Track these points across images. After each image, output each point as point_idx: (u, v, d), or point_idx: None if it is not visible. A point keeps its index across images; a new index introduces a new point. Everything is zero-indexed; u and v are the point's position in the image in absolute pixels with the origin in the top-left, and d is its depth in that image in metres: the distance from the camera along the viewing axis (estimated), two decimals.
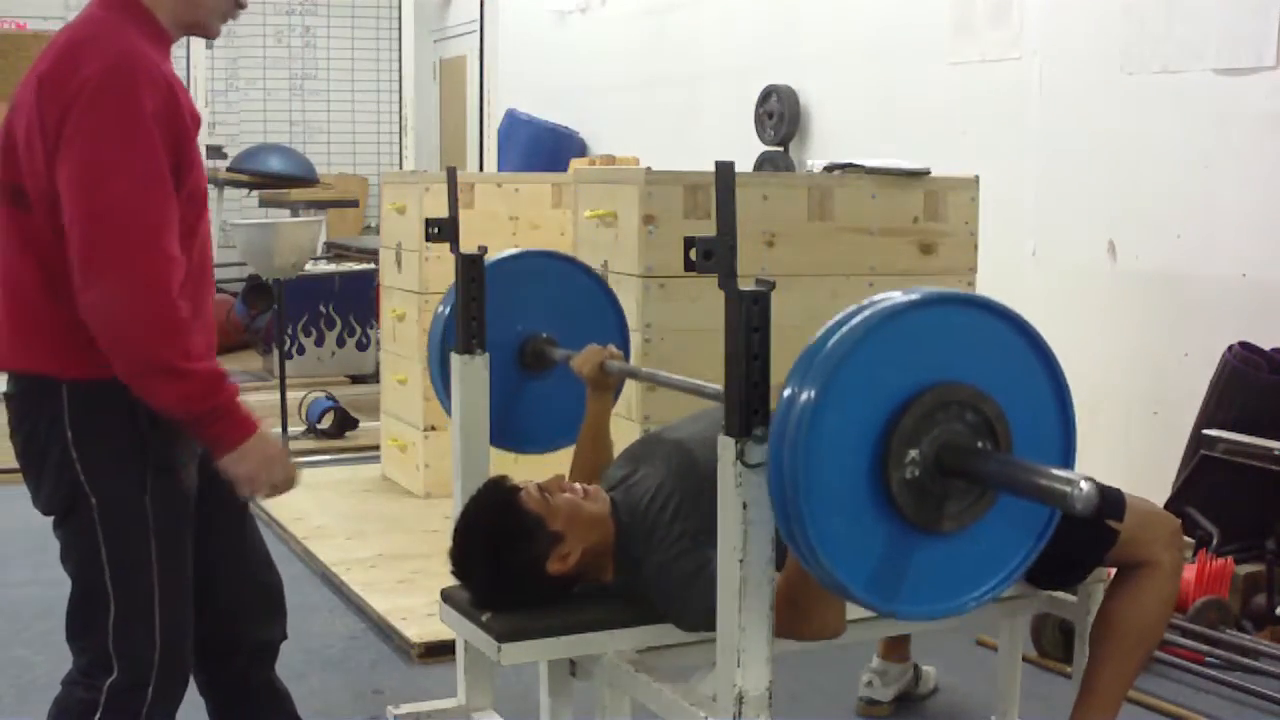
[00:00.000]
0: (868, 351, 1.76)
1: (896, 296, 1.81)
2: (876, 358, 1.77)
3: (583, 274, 3.05)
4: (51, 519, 2.26)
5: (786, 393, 1.77)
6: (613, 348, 2.76)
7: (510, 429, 2.93)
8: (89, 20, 2.19)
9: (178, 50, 9.76)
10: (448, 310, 2.88)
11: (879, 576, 1.80)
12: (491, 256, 2.87)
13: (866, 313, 1.79)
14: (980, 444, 1.81)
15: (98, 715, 2.19)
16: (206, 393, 2.10)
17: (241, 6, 2.32)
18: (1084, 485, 1.65)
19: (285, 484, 2.24)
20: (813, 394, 1.73)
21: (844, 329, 1.77)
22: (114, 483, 2.17)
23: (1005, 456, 1.81)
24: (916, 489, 1.78)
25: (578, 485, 2.52)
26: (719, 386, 1.99)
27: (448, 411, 2.91)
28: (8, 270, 2.17)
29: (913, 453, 1.77)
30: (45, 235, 2.10)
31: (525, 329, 2.92)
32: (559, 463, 2.86)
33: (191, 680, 2.35)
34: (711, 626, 2.25)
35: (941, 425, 1.79)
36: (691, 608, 2.32)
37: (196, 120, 2.18)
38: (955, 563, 1.85)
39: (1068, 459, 1.89)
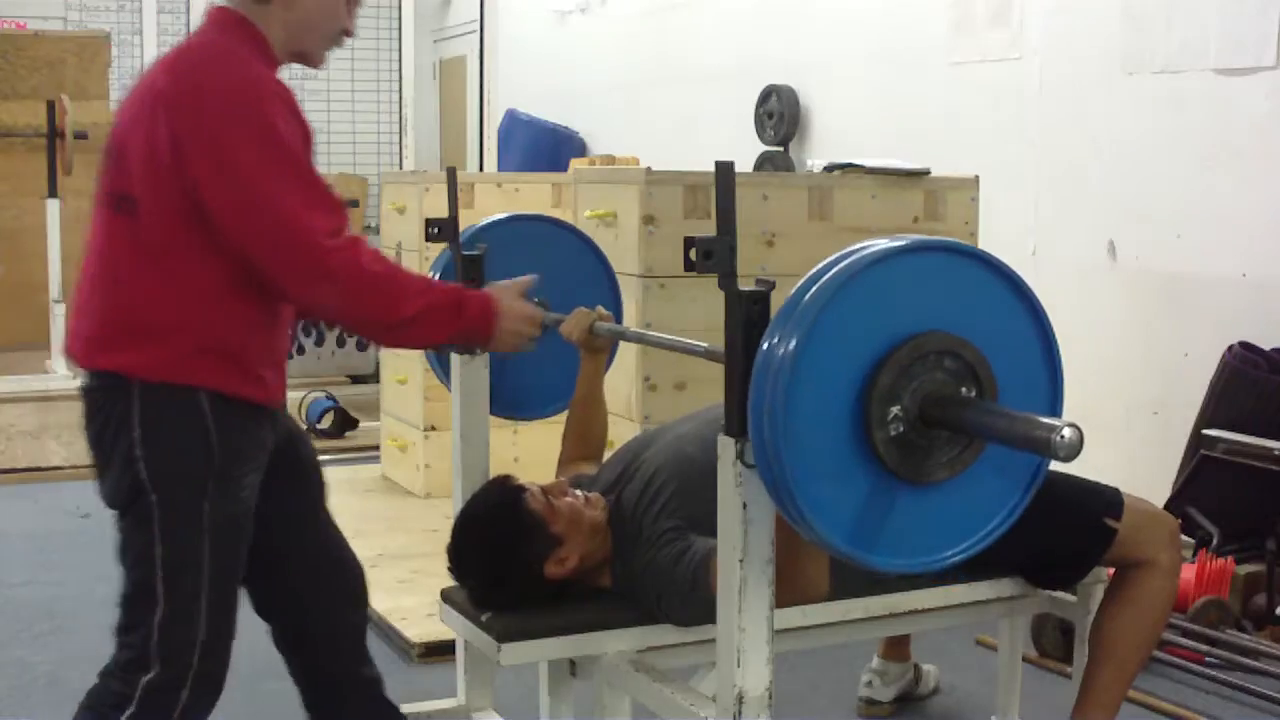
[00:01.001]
0: (847, 302, 1.75)
1: (877, 244, 1.79)
2: (856, 308, 1.75)
3: (573, 237, 3.01)
4: (114, 513, 2.30)
5: (765, 346, 1.76)
6: (602, 309, 2.72)
7: (504, 396, 2.90)
8: (207, 42, 2.23)
9: None
10: (438, 276, 2.85)
11: (862, 528, 1.79)
12: (480, 221, 2.86)
13: (845, 262, 1.77)
14: (964, 392, 1.80)
15: (130, 710, 2.20)
16: (439, 316, 2.22)
17: (349, 35, 2.35)
18: (1067, 431, 1.64)
19: (534, 321, 2.39)
20: (791, 345, 1.72)
21: (822, 280, 1.76)
22: (175, 484, 2.19)
23: (987, 404, 1.80)
24: (901, 442, 1.77)
25: (579, 492, 2.52)
26: (708, 345, 1.98)
27: (447, 386, 2.90)
28: (103, 272, 2.21)
29: (895, 409, 1.76)
30: (150, 237, 2.15)
31: None
32: (554, 453, 2.86)
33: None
34: (699, 615, 2.26)
35: (924, 375, 1.78)
36: (675, 599, 2.33)
37: (311, 136, 2.24)
38: (941, 515, 1.84)
39: (1055, 407, 1.88)
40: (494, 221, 2.97)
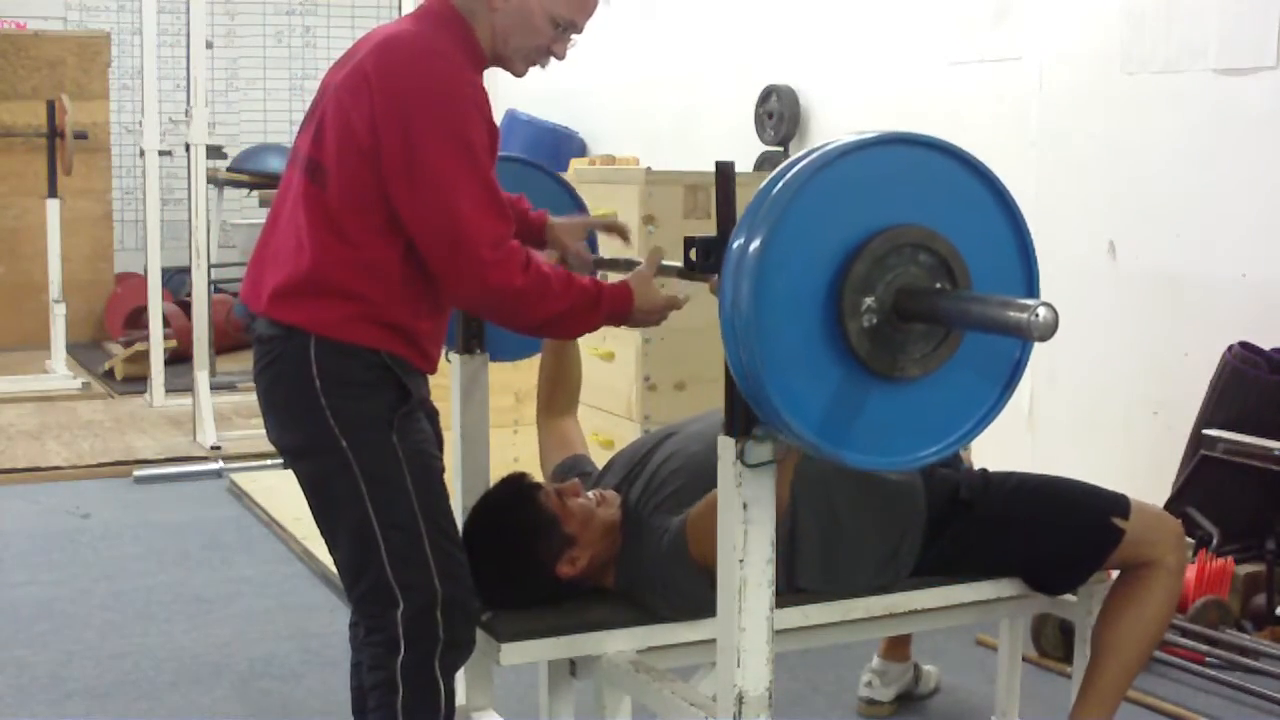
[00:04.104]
0: (815, 195, 1.74)
1: (844, 138, 1.78)
2: (825, 201, 1.75)
3: (545, 177, 2.98)
4: (287, 459, 2.40)
5: (736, 244, 1.75)
6: (579, 248, 2.70)
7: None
8: (420, 33, 2.29)
9: (177, 50, 9.71)
10: None
11: (833, 422, 1.77)
12: None
13: (812, 156, 1.76)
14: (938, 285, 1.79)
15: (402, 651, 2.26)
16: (579, 314, 2.29)
17: (556, 57, 2.40)
18: (1041, 311, 1.63)
19: (668, 308, 2.41)
20: (758, 241, 1.71)
21: (789, 174, 1.75)
22: (362, 427, 2.27)
23: (960, 292, 1.78)
24: (874, 335, 1.76)
25: (593, 492, 2.53)
26: (678, 263, 1.99)
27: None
28: (291, 232, 2.31)
29: (868, 300, 1.75)
30: (337, 211, 2.25)
31: None
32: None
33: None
34: (689, 589, 2.28)
35: (898, 268, 1.76)
36: (668, 580, 2.35)
37: (497, 143, 2.30)
38: (916, 413, 1.82)
39: (1031, 294, 1.87)
40: None
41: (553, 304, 2.26)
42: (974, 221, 1.83)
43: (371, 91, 2.21)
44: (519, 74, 2.41)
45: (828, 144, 1.78)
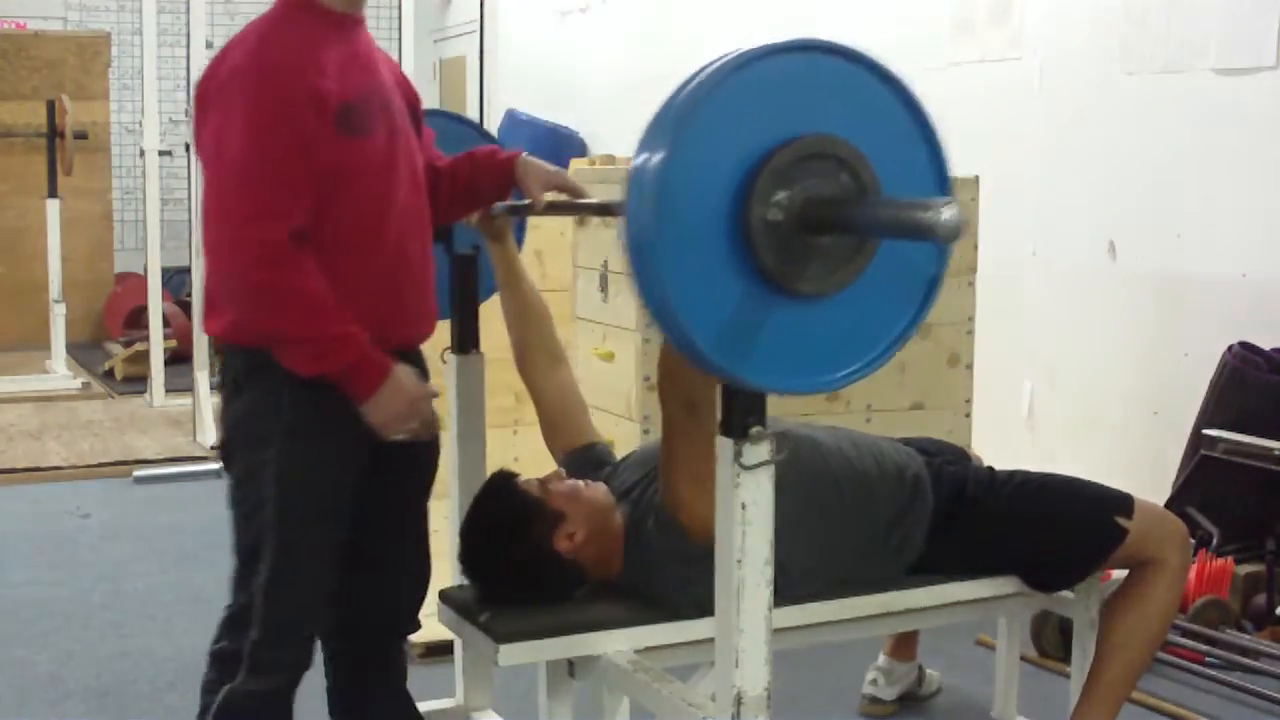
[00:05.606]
0: (717, 107, 1.69)
1: (745, 48, 1.73)
2: (728, 113, 1.70)
3: (466, 127, 2.95)
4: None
5: (639, 158, 1.71)
6: (539, 197, 2.56)
7: None
8: (250, 27, 2.28)
9: (177, 50, 9.63)
10: None
11: (737, 339, 1.72)
12: None
13: (713, 67, 1.71)
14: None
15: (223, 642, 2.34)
16: (305, 352, 2.18)
17: None
18: (945, 210, 1.57)
19: (420, 430, 2.29)
20: (662, 153, 1.67)
21: (692, 85, 1.71)
22: (250, 440, 2.27)
23: (866, 199, 1.73)
24: (781, 248, 1.70)
25: (577, 481, 2.52)
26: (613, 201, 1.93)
27: None
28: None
29: (774, 210, 1.69)
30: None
31: None
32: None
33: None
34: (682, 568, 2.28)
35: (804, 180, 1.71)
36: (666, 563, 2.35)
37: (329, 111, 2.19)
38: (828, 334, 1.77)
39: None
40: None
41: (281, 322, 2.17)
42: (883, 129, 1.79)
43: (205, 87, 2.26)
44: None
45: (729, 55, 1.73)
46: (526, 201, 2.52)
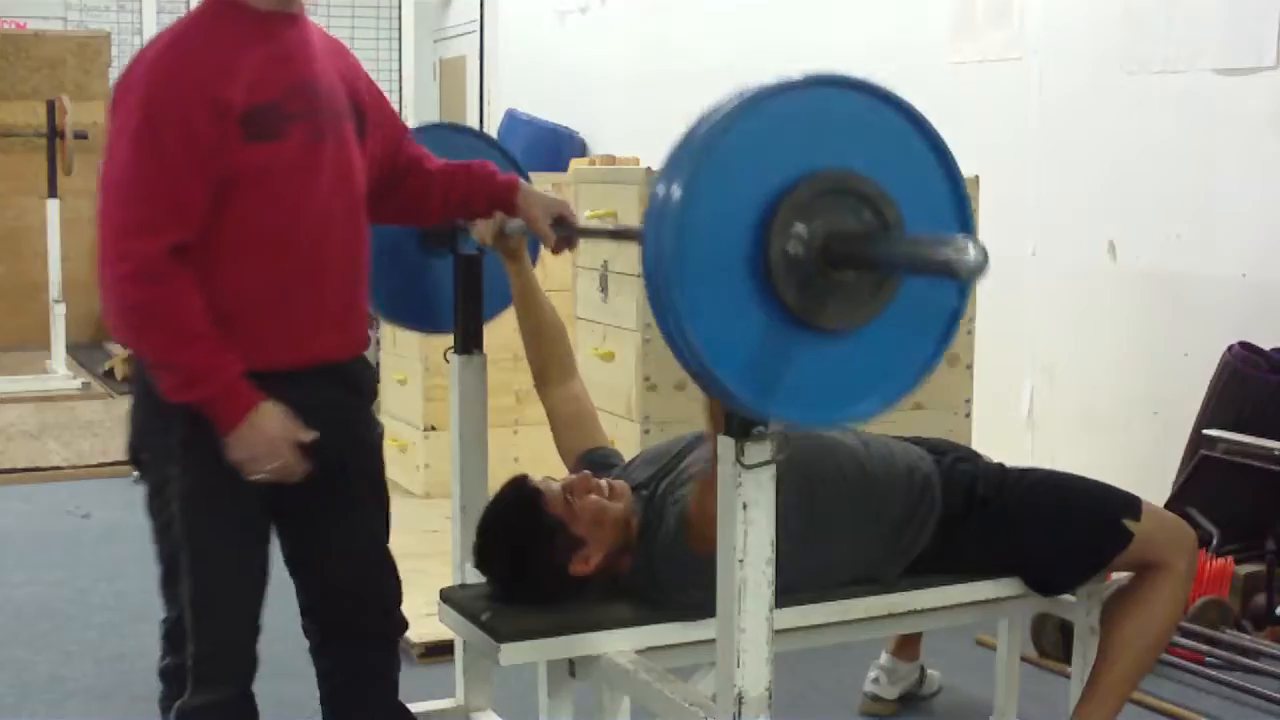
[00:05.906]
0: (739, 140, 1.68)
1: (767, 82, 1.72)
2: (751, 145, 1.69)
3: (481, 142, 2.96)
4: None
5: (659, 190, 1.69)
6: (544, 228, 2.57)
7: (418, 310, 2.90)
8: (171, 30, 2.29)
9: None
10: None
11: (755, 370, 1.71)
12: None
13: (736, 100, 1.70)
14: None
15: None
16: (178, 378, 2.14)
17: None
18: (970, 248, 1.56)
19: (282, 472, 2.18)
20: (682, 186, 1.66)
21: (713, 119, 1.69)
22: (155, 453, 2.28)
23: (888, 235, 1.72)
24: (802, 283, 1.69)
25: (603, 483, 2.49)
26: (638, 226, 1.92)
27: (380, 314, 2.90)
28: None
29: (796, 246, 1.68)
30: None
31: None
32: (555, 453, 2.85)
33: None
34: (688, 570, 2.26)
35: (825, 214, 1.70)
36: (664, 580, 2.35)
37: (232, 116, 2.14)
38: (849, 369, 1.76)
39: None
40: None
41: (147, 344, 2.16)
42: (905, 165, 1.77)
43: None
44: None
45: (751, 88, 1.72)
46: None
